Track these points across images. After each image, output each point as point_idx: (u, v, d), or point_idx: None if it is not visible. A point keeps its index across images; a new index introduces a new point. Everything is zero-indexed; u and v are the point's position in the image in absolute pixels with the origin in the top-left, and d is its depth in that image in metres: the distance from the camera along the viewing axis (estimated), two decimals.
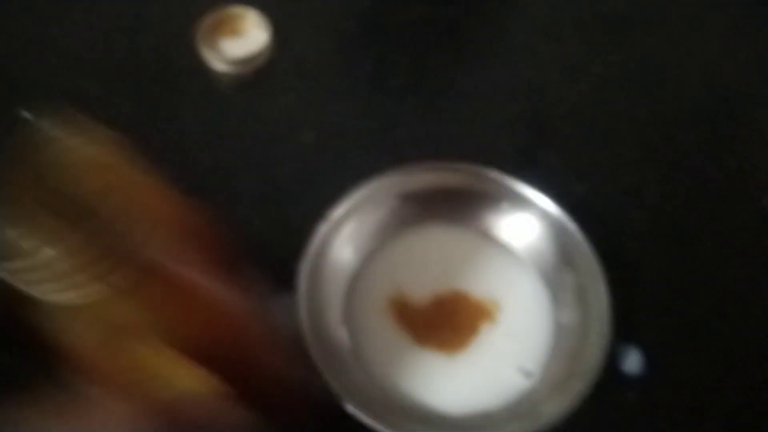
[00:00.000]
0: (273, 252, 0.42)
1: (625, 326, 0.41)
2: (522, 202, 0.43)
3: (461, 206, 0.43)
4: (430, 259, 0.42)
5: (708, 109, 0.51)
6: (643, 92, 0.51)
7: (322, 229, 0.40)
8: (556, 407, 0.37)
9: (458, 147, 0.47)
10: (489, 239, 0.43)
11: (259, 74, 0.50)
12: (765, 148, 0.49)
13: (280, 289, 0.41)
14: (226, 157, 0.47)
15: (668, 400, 0.41)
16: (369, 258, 0.42)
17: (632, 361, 0.41)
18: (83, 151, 0.25)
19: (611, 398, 0.40)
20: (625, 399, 0.40)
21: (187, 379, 0.27)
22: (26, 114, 0.24)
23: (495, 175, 0.43)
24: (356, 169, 0.44)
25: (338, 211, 0.41)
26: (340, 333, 0.39)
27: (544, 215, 0.42)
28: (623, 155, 0.49)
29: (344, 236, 0.41)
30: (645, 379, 0.41)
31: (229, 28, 0.51)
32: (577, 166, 0.47)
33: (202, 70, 0.50)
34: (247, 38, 0.51)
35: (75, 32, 0.52)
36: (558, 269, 0.41)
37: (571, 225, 0.41)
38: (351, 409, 0.36)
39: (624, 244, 0.45)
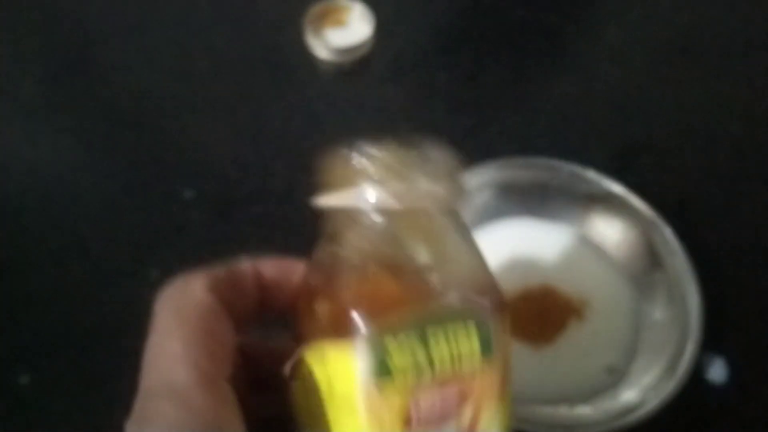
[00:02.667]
0: None
1: (713, 335, 0.41)
2: (617, 204, 0.43)
3: (556, 203, 0.44)
4: (521, 252, 0.43)
5: None
6: (737, 110, 0.51)
7: None
8: (640, 408, 0.37)
9: (554, 146, 0.48)
10: (581, 237, 0.43)
11: (360, 65, 0.52)
12: None
13: None
14: (324, 141, 0.49)
15: (749, 412, 0.41)
16: None
17: (717, 371, 0.41)
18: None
19: (693, 405, 0.40)
20: (706, 407, 0.40)
21: None
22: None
23: (592, 174, 0.43)
24: None
25: None
26: None
27: (639, 218, 0.42)
28: (720, 168, 0.48)
29: None
30: (728, 389, 0.41)
31: (335, 18, 0.54)
32: (673, 174, 0.48)
33: (307, 56, 0.52)
34: (352, 29, 0.53)
35: (188, 16, 0.55)
36: (649, 272, 0.42)
37: (666, 230, 0.41)
38: None
39: (716, 255, 0.44)
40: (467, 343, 0.20)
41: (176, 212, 0.45)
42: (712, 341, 0.41)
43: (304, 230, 0.45)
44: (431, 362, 0.20)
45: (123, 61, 0.52)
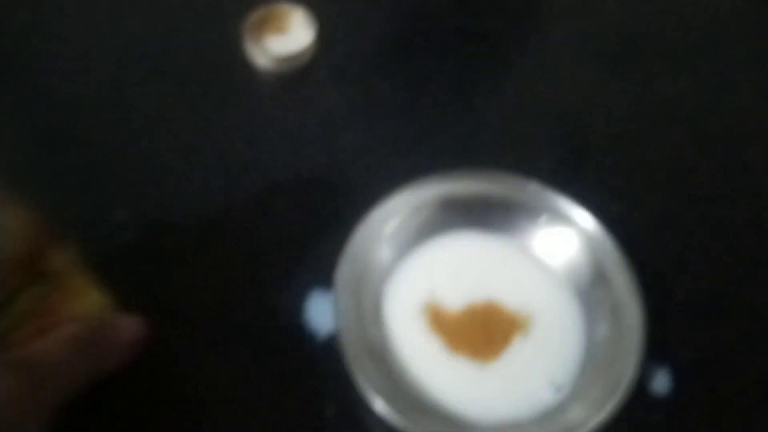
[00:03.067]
0: (312, 251, 0.43)
1: (656, 346, 0.41)
2: (561, 217, 0.43)
3: (500, 216, 0.43)
4: (466, 267, 0.42)
5: (742, 133, 0.51)
6: (681, 117, 0.52)
7: (361, 231, 0.41)
8: (584, 422, 0.37)
9: (497, 157, 0.48)
10: (526, 251, 0.43)
11: (301, 73, 0.51)
12: None
13: (317, 288, 0.42)
14: (265, 153, 0.48)
15: (693, 422, 0.41)
16: (405, 261, 0.42)
17: (661, 382, 0.41)
18: None
19: (638, 417, 0.40)
20: (651, 418, 0.40)
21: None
22: None
23: (535, 187, 0.43)
24: (394, 173, 0.44)
25: (376, 213, 0.41)
26: (373, 332, 0.40)
27: (583, 231, 0.42)
28: (660, 178, 0.49)
29: (382, 239, 0.41)
30: (672, 400, 0.41)
31: (276, 25, 0.52)
32: (615, 185, 0.48)
33: (246, 65, 0.51)
34: (293, 36, 0.52)
35: (121, 22, 0.53)
36: (593, 286, 0.41)
37: (609, 242, 0.41)
38: (379, 407, 0.36)
39: (658, 266, 0.45)
40: None
41: (107, 234, 0.43)
42: (656, 353, 0.41)
43: (243, 246, 0.44)
44: None
45: (53, 71, 0.50)
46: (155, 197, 0.45)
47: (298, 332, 0.41)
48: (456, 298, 0.41)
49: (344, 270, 0.40)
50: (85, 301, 0.34)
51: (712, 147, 0.50)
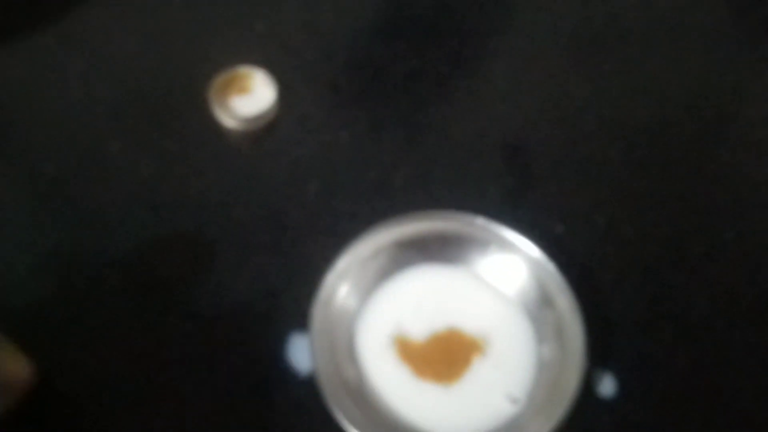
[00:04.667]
0: (287, 297, 0.48)
1: (600, 353, 0.46)
2: (507, 246, 0.48)
3: (453, 249, 0.48)
4: (426, 299, 0.47)
5: (676, 146, 0.57)
6: (617, 135, 0.57)
7: (329, 277, 0.46)
8: (540, 429, 0.42)
9: (450, 193, 0.53)
10: (479, 279, 0.48)
11: (267, 130, 0.56)
12: (727, 187, 0.55)
13: (295, 331, 0.47)
14: (238, 208, 0.52)
15: (640, 422, 0.46)
16: (372, 300, 0.47)
17: (607, 385, 0.46)
18: None
19: (589, 420, 0.45)
20: (600, 420, 0.46)
21: None
22: None
23: (482, 221, 0.48)
24: (358, 216, 0.50)
25: (342, 260, 0.46)
26: (349, 369, 0.45)
27: (526, 257, 0.47)
28: (598, 196, 0.54)
29: (349, 282, 0.46)
30: (618, 402, 0.46)
31: (239, 86, 0.57)
32: (556, 208, 0.53)
33: (213, 126, 0.55)
34: (256, 96, 0.56)
35: (90, 84, 0.57)
36: (540, 306, 0.47)
37: (549, 266, 0.46)
38: None
39: (598, 278, 0.50)
40: None
41: (96, 298, 0.48)
42: (600, 359, 0.46)
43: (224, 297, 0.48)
44: None
45: (35, 146, 0.54)
46: (136, 254, 0.50)
47: (280, 373, 0.45)
48: (421, 328, 0.46)
49: (317, 313, 0.45)
50: (12, 369, 0.42)
51: (648, 162, 0.55)
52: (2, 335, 0.42)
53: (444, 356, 0.46)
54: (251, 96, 0.56)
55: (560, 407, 0.43)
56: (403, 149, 0.55)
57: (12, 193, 0.52)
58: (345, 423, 0.41)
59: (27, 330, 0.43)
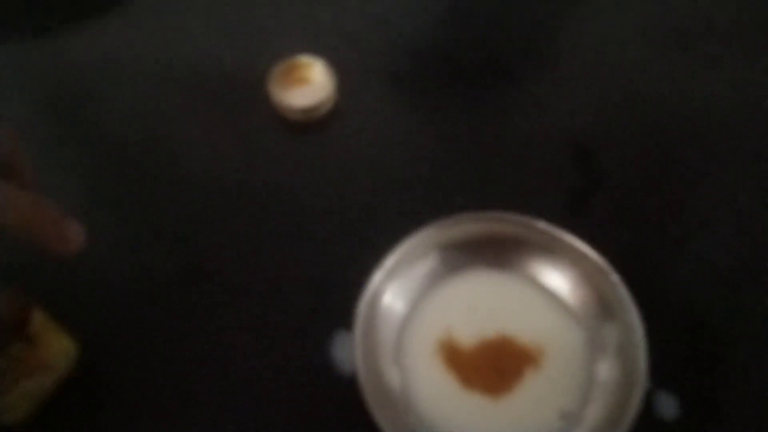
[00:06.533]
0: (334, 293, 0.46)
1: (663, 372, 0.42)
2: (568, 253, 0.45)
3: (509, 254, 0.46)
4: (477, 305, 0.45)
5: (764, 150, 0.52)
6: (695, 136, 0.53)
7: (377, 276, 0.44)
8: None
9: (509, 194, 0.50)
10: (535, 286, 0.45)
11: (325, 120, 0.54)
12: None
13: (340, 329, 0.45)
14: (294, 199, 0.51)
15: None
16: (420, 303, 0.45)
17: (668, 407, 0.43)
18: None
19: None
20: None
21: None
22: None
23: (543, 225, 0.45)
24: (410, 215, 0.47)
25: (391, 259, 0.44)
26: (392, 373, 0.43)
27: (589, 266, 0.44)
28: (672, 203, 0.50)
29: (397, 282, 0.45)
30: (679, 424, 0.43)
31: (298, 76, 0.56)
32: (625, 214, 0.49)
33: (272, 113, 0.54)
34: (315, 86, 0.55)
35: (161, 65, 0.57)
36: (600, 318, 0.43)
37: (614, 277, 0.43)
38: None
39: (667, 294, 0.46)
40: None
41: (146, 283, 0.48)
42: (662, 378, 0.43)
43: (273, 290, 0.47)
44: None
45: (109, 120, 0.55)
46: (191, 244, 0.49)
47: (323, 371, 0.44)
48: (470, 335, 0.44)
49: (361, 312, 0.43)
50: (57, 350, 0.42)
51: (732, 168, 0.51)
52: (49, 316, 0.42)
53: (494, 366, 0.43)
54: (310, 85, 0.55)
55: (618, 428, 0.39)
56: (462, 144, 0.53)
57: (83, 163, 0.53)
58: (385, 427, 0.39)
59: (74, 312, 0.44)
